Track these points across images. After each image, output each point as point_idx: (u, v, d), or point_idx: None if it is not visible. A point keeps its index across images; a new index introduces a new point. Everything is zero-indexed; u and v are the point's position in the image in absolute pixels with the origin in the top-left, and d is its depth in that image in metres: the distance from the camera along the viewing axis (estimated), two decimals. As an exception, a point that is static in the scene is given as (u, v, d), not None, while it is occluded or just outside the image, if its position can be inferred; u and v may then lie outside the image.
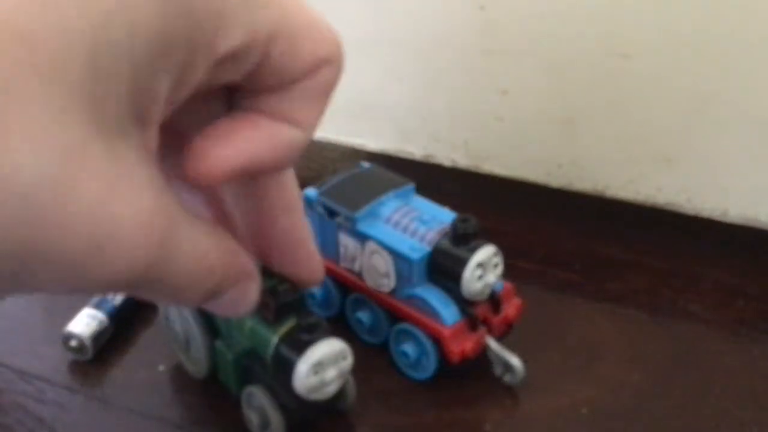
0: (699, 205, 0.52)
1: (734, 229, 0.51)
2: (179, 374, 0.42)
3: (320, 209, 0.43)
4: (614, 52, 0.50)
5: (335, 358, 0.35)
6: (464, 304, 0.40)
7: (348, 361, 0.35)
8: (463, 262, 0.38)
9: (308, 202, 0.43)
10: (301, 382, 0.34)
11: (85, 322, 0.43)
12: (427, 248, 0.39)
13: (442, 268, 0.39)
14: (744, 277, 0.49)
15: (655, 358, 0.43)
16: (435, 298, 0.40)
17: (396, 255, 0.40)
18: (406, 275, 0.40)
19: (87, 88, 0.16)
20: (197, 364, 0.41)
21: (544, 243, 0.53)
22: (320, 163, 0.60)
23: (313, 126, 0.23)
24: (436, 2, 0.53)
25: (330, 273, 0.44)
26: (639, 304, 0.47)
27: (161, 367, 0.43)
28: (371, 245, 0.41)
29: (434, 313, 0.39)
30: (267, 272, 0.37)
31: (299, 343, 0.35)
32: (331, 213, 0.42)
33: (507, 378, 0.41)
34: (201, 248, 0.20)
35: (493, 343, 0.40)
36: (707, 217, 0.52)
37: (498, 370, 0.41)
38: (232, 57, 0.20)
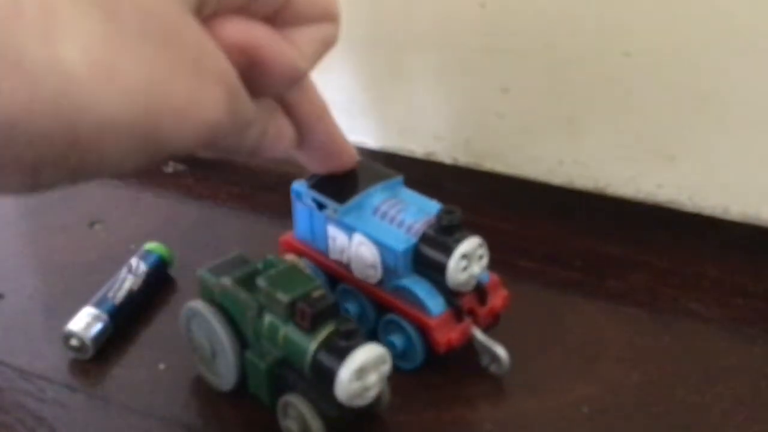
0: (700, 203, 0.52)
1: (735, 227, 0.51)
2: (180, 373, 0.42)
3: (309, 202, 0.43)
4: (615, 50, 0.50)
5: (376, 363, 0.34)
6: (450, 295, 0.40)
7: (387, 365, 0.35)
8: (447, 253, 0.38)
9: (297, 195, 0.43)
10: (343, 389, 0.34)
11: (85, 321, 0.43)
12: (413, 239, 0.40)
13: (428, 259, 0.39)
14: (745, 276, 0.49)
15: (655, 356, 0.43)
16: (421, 288, 0.40)
17: (382, 246, 0.40)
18: (392, 266, 0.40)
19: None
20: (225, 375, 0.40)
21: (545, 241, 0.53)
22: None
23: (309, 60, 0.28)
24: (437, 0, 0.53)
25: (319, 265, 0.44)
26: (639, 302, 0.47)
27: (162, 366, 0.43)
28: (358, 237, 0.41)
29: (420, 304, 0.40)
30: (297, 281, 0.37)
31: (339, 350, 0.34)
32: (320, 205, 0.42)
33: (493, 368, 0.41)
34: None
35: (479, 334, 0.41)
36: (708, 215, 0.52)
37: (484, 361, 0.41)
38: None
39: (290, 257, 0.42)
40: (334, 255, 0.43)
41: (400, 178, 0.43)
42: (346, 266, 0.43)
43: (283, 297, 0.36)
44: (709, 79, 0.48)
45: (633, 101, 0.51)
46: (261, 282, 0.37)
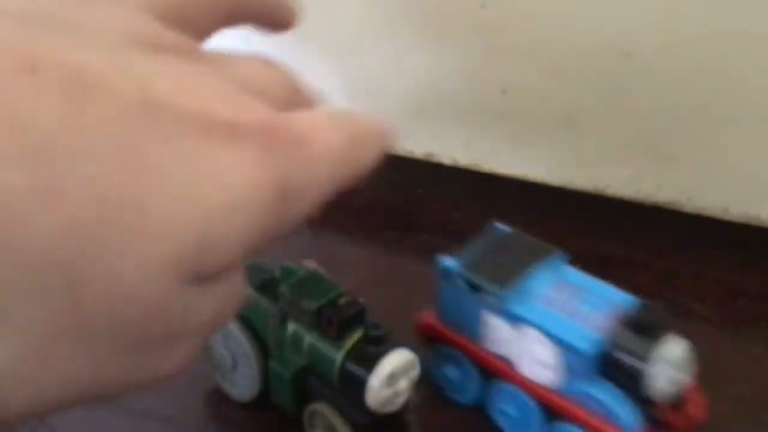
0: (700, 204, 0.52)
1: (735, 228, 0.51)
2: (180, 373, 0.42)
3: (461, 283, 0.37)
4: (615, 50, 0.50)
5: (405, 369, 0.34)
6: (645, 405, 0.34)
7: (417, 370, 0.35)
8: (648, 357, 0.33)
9: (446, 273, 0.38)
10: (374, 397, 0.33)
11: (85, 321, 0.43)
12: (599, 337, 0.34)
13: (620, 362, 0.33)
14: (745, 276, 0.49)
15: (655, 357, 0.43)
16: (611, 397, 0.34)
17: (563, 345, 0.34)
18: (574, 368, 0.34)
19: None
20: (246, 386, 0.39)
21: (545, 241, 0.52)
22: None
23: None
24: (437, 1, 0.53)
25: (471, 355, 0.38)
26: (639, 302, 0.47)
27: (161, 367, 0.43)
28: (531, 332, 0.35)
29: (610, 415, 0.34)
30: (321, 288, 0.37)
31: (368, 357, 0.34)
32: (474, 287, 0.37)
33: None
34: None
35: None
36: (708, 216, 0.52)
37: None
38: None
39: (309, 263, 0.41)
40: (493, 348, 0.37)
41: (562, 254, 0.39)
42: (509, 361, 0.37)
43: (309, 305, 0.35)
44: (709, 79, 0.48)
45: (633, 101, 0.51)
46: (284, 290, 0.36)
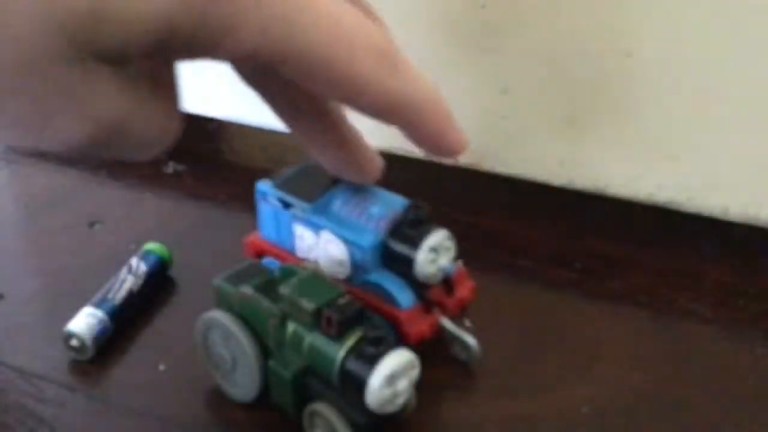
0: (700, 204, 0.52)
1: (735, 228, 0.51)
2: (179, 373, 0.42)
3: (275, 201, 0.43)
4: (616, 50, 0.50)
5: (405, 369, 0.34)
6: (418, 288, 0.41)
7: (417, 370, 0.35)
8: (415, 246, 0.39)
9: (262, 194, 0.44)
10: (374, 397, 0.33)
11: (85, 321, 0.43)
12: (380, 235, 0.40)
13: (396, 253, 0.40)
14: (745, 276, 0.49)
15: (655, 357, 0.43)
16: (390, 283, 0.40)
17: (350, 243, 0.40)
18: (360, 262, 0.41)
19: None
20: (246, 386, 0.39)
21: (544, 241, 0.53)
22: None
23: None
24: (437, 0, 0.53)
25: (287, 262, 0.44)
26: (639, 303, 0.47)
27: (161, 367, 0.43)
28: (326, 234, 0.41)
29: (390, 298, 0.40)
30: (321, 288, 0.37)
31: (368, 357, 0.34)
32: (286, 204, 0.43)
33: (463, 357, 0.42)
34: None
35: (448, 324, 0.41)
36: (708, 216, 0.52)
37: (455, 350, 0.42)
38: None
39: (309, 263, 0.42)
40: (301, 253, 0.44)
41: None
42: (314, 263, 0.43)
43: (309, 304, 0.35)
44: (710, 79, 0.48)
45: (633, 101, 0.51)
46: (284, 290, 0.37)
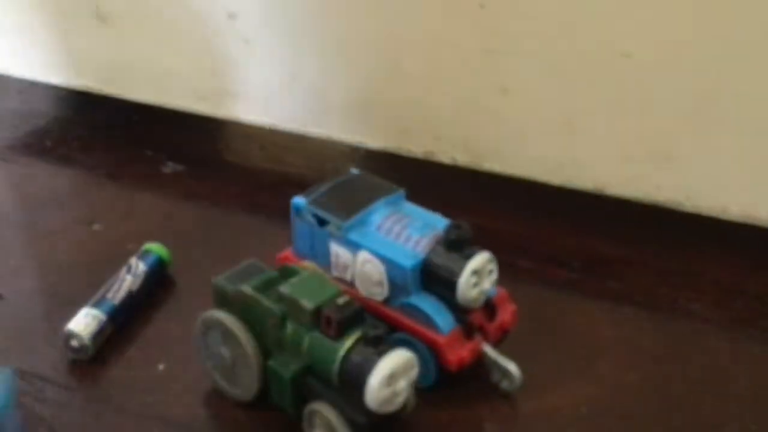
0: (698, 203, 0.52)
1: (734, 227, 0.51)
2: (179, 373, 0.42)
3: (310, 218, 0.42)
4: (615, 51, 0.50)
5: (405, 369, 0.34)
6: (459, 311, 0.39)
7: (416, 370, 0.35)
8: (458, 270, 0.38)
9: (297, 211, 0.42)
10: (373, 396, 0.33)
11: (85, 321, 0.43)
12: (420, 255, 0.39)
13: (437, 275, 0.39)
14: (744, 276, 0.49)
15: (654, 356, 0.43)
16: (429, 306, 0.39)
17: (389, 263, 0.39)
18: (399, 283, 0.39)
19: None
20: (245, 385, 0.39)
21: (544, 241, 0.53)
22: (319, 161, 0.60)
23: None
24: (438, 0, 0.53)
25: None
26: (638, 302, 0.47)
27: (161, 366, 0.43)
28: (363, 254, 0.40)
29: (429, 322, 0.39)
30: (321, 288, 0.37)
31: (367, 357, 0.34)
32: (321, 222, 0.42)
33: (504, 385, 0.40)
34: None
35: (489, 350, 0.40)
36: (707, 215, 0.52)
37: (495, 377, 0.41)
38: None
39: (308, 264, 0.42)
40: (336, 272, 0.42)
41: (401, 191, 0.42)
42: (350, 284, 0.42)
43: (308, 304, 0.35)
44: (708, 79, 0.48)
45: (633, 101, 0.51)
46: (284, 290, 0.37)
